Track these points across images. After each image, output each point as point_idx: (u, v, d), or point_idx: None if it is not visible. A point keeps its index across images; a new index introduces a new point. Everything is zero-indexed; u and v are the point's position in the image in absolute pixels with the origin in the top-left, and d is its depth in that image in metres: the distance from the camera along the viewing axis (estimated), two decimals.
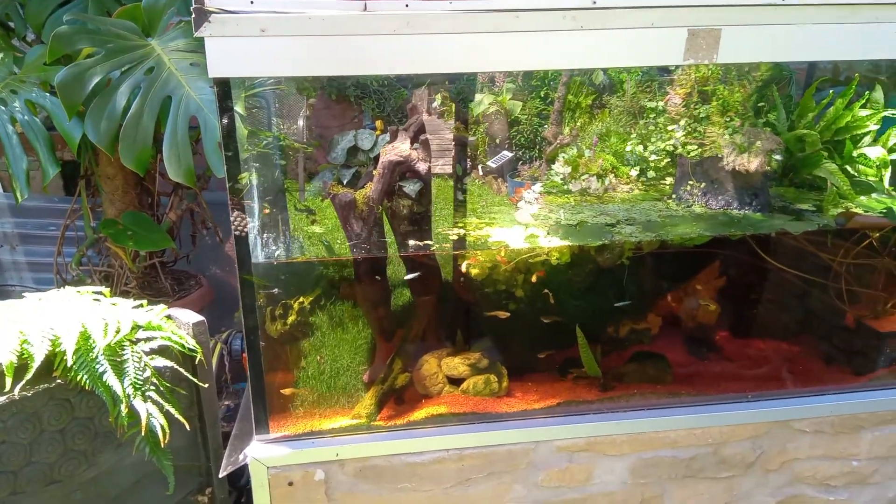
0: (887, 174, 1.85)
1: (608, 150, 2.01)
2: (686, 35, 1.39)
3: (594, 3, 1.37)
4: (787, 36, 1.42)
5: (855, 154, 1.89)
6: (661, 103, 2.09)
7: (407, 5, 1.31)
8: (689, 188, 1.84)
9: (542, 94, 2.13)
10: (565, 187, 1.91)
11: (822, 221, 1.70)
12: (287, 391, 1.61)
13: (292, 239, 1.70)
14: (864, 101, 1.89)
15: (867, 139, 1.94)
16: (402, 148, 1.66)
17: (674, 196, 1.86)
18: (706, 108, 1.98)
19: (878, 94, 1.95)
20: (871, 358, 1.77)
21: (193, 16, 1.26)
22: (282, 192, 1.79)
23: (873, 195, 1.88)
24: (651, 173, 1.96)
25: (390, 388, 1.66)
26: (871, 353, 1.77)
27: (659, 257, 1.80)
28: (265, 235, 1.63)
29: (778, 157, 1.87)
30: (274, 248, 1.65)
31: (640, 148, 2.01)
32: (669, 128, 2.02)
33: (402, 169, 1.66)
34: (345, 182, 1.72)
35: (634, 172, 1.97)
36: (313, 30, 1.31)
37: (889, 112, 1.88)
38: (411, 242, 1.67)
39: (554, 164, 1.97)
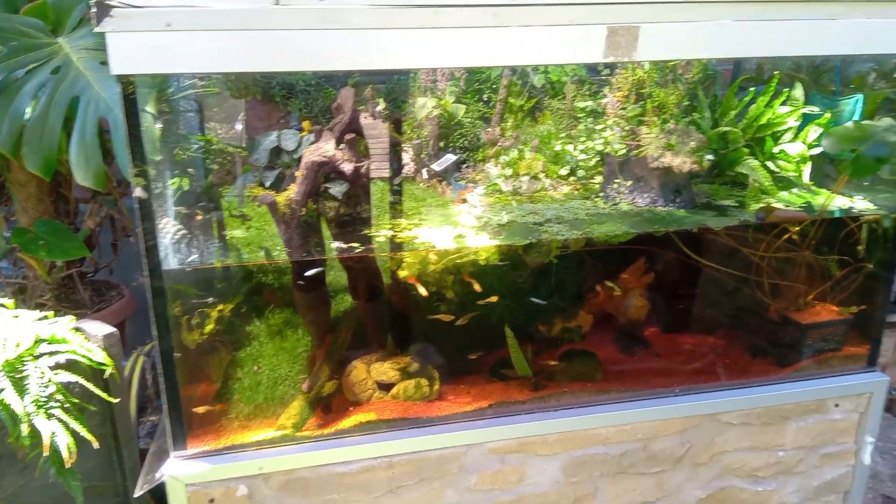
0: (807, 169, 1.91)
1: (545, 151, 2.01)
2: (606, 32, 1.40)
3: None
4: (705, 32, 1.44)
5: (776, 150, 1.93)
6: (592, 104, 2.11)
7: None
8: (616, 186, 1.85)
9: (484, 96, 2.12)
10: (500, 188, 1.90)
11: (743, 216, 1.74)
12: (201, 409, 1.54)
13: (212, 243, 1.63)
14: (783, 99, 1.94)
15: (788, 136, 1.99)
16: (325, 148, 1.61)
17: (602, 194, 1.87)
18: (634, 108, 2.00)
19: (798, 92, 2.01)
20: (794, 350, 1.81)
21: (94, 10, 1.19)
22: (204, 194, 1.72)
23: (794, 190, 1.93)
24: (581, 172, 1.97)
25: (317, 396, 1.61)
26: (793, 344, 1.81)
27: (588, 255, 1.80)
28: (181, 240, 1.56)
29: (709, 156, 1.90)
30: (191, 253, 1.58)
31: (570, 147, 2.02)
32: (598, 127, 2.04)
33: (327, 170, 1.62)
34: (267, 184, 1.66)
35: (564, 171, 1.97)
36: (223, 24, 1.25)
37: (808, 109, 1.94)
38: (338, 245, 1.62)
39: (495, 166, 1.96)
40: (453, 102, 2.10)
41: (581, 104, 2.10)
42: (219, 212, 1.70)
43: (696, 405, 1.70)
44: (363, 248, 1.57)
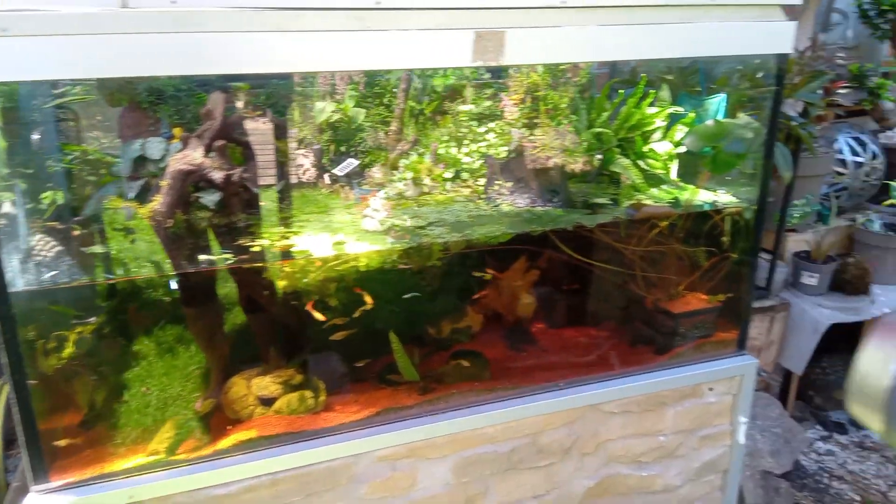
0: (674, 166, 2.00)
1: (433, 154, 2.01)
2: (473, 37, 1.41)
3: (378, 3, 1.35)
4: (570, 37, 1.48)
5: (646, 149, 2.02)
6: (474, 107, 2.13)
7: (173, 1, 1.22)
8: (497, 188, 1.88)
9: (384, 100, 2.10)
10: (401, 192, 1.89)
11: (616, 212, 1.80)
12: (63, 441, 1.43)
13: (76, 259, 1.53)
14: (650, 100, 2.03)
15: (657, 135, 2.08)
16: (193, 156, 1.55)
17: (483, 196, 1.89)
18: (519, 110, 2.04)
19: (665, 93, 2.11)
20: (668, 338, 1.90)
21: None
22: (73, 208, 1.61)
23: (664, 186, 2.02)
24: (465, 175, 1.99)
25: (194, 416, 1.53)
26: (668, 333, 1.90)
27: (473, 256, 1.82)
28: (36, 258, 1.45)
29: (599, 155, 1.96)
30: (52, 270, 1.47)
31: (454, 150, 2.03)
32: (481, 130, 2.07)
33: (195, 178, 1.55)
34: (132, 196, 1.57)
35: (450, 175, 1.99)
36: (66, 28, 1.17)
37: (674, 109, 2.03)
38: (207, 258, 1.56)
39: (397, 169, 1.95)
40: (353, 107, 2.08)
41: (464, 107, 2.12)
42: (97, 225, 1.60)
43: (579, 397, 1.75)
44: (236, 258, 1.51)
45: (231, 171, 1.58)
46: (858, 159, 3.09)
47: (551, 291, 2.01)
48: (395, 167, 1.98)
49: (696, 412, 1.93)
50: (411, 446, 1.60)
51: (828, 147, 3.09)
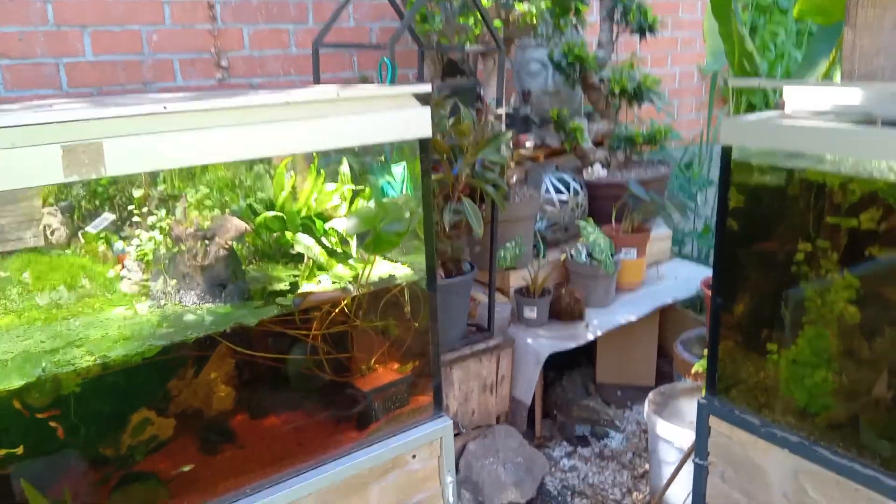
0: (353, 242, 2.03)
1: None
2: (61, 152, 1.29)
3: None
4: (177, 142, 1.41)
5: (327, 227, 2.03)
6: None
7: None
8: (162, 286, 1.76)
9: None
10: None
11: (284, 302, 1.77)
12: None
13: None
14: (323, 179, 2.04)
15: (344, 208, 2.10)
16: None
17: (148, 296, 1.76)
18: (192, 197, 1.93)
19: (345, 167, 2.14)
20: (362, 416, 1.90)
21: None
22: None
23: (350, 261, 2.04)
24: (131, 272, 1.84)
25: None
26: (361, 411, 1.90)
27: (143, 366, 1.68)
28: None
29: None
30: None
31: (119, 245, 1.88)
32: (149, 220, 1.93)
33: None
34: None
35: (112, 273, 1.83)
36: None
37: (349, 186, 2.06)
38: None
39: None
40: None
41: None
42: None
43: (269, 501, 1.68)
44: None
45: None
46: (563, 197, 3.40)
47: (247, 382, 1.93)
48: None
49: (402, 483, 1.95)
50: None
51: (536, 188, 3.36)
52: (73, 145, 1.30)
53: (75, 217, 1.84)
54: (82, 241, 1.83)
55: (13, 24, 2.72)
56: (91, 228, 1.86)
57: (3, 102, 2.68)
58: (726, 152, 1.93)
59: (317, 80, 2.67)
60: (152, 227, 1.89)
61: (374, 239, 1.76)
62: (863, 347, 1.72)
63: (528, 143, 3.20)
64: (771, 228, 2.00)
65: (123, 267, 1.85)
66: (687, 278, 3.52)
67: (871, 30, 2.52)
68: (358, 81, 3.37)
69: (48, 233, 1.81)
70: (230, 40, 3.25)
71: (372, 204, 1.82)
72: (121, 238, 1.86)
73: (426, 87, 1.74)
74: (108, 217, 1.89)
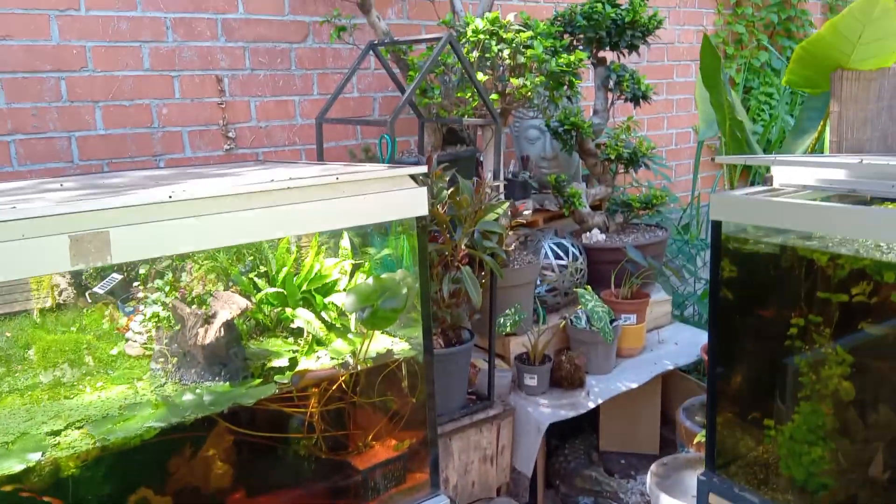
0: (353, 318, 2.06)
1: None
2: (68, 242, 1.34)
3: None
4: (182, 228, 1.46)
5: (326, 302, 2.06)
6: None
7: None
8: (161, 365, 1.79)
9: None
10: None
11: (283, 380, 1.79)
12: None
13: None
14: (324, 252, 2.09)
15: (343, 282, 2.14)
16: None
17: (148, 375, 1.78)
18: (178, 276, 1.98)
19: (346, 241, 2.19)
20: (359, 495, 1.89)
21: None
22: None
23: (350, 336, 2.06)
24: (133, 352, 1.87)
25: None
26: (358, 489, 1.89)
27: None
28: None
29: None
30: None
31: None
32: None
33: None
34: None
35: (115, 351, 1.86)
36: None
37: (350, 261, 2.11)
38: None
39: None
40: None
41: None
42: None
43: None
44: None
45: None
46: (562, 263, 3.43)
47: (248, 459, 1.92)
48: None
49: None
50: None
51: (536, 253, 3.40)
52: (80, 235, 1.34)
53: (83, 277, 1.88)
54: (89, 300, 1.87)
55: (28, 101, 2.83)
56: (99, 289, 1.90)
57: (15, 178, 2.76)
58: (716, 227, 1.97)
59: (320, 155, 2.75)
60: (155, 303, 1.92)
61: (372, 316, 1.79)
62: (858, 425, 1.72)
63: (526, 212, 3.25)
64: (764, 301, 2.02)
65: (129, 329, 1.88)
66: (688, 343, 3.52)
67: (856, 102, 2.59)
68: (361, 150, 3.46)
69: (56, 293, 1.85)
70: (238, 112, 3.35)
71: (371, 280, 1.85)
72: (129, 298, 1.89)
73: (422, 168, 1.80)
74: (115, 277, 1.92)
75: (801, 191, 1.96)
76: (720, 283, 2.03)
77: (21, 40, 2.79)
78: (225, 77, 3.29)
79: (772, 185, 2.06)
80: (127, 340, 1.88)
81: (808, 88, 2.96)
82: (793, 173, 2.02)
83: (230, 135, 3.33)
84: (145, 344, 1.85)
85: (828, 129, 2.59)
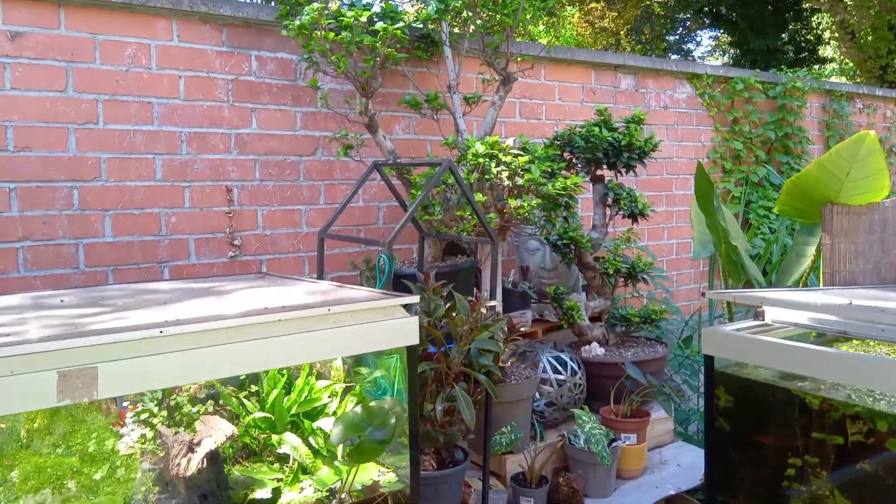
0: (340, 448, 2.03)
1: None
2: (56, 377, 1.35)
3: None
4: (171, 362, 1.48)
5: (315, 427, 2.04)
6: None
7: None
8: (144, 495, 1.75)
9: None
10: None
11: None
12: None
13: None
14: (315, 375, 2.09)
15: (334, 405, 2.12)
16: None
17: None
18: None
19: (339, 362, 2.19)
20: None
21: None
22: None
23: (336, 463, 2.03)
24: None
25: None
26: None
27: None
28: None
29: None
30: None
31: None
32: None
33: None
34: None
35: (99, 476, 1.82)
36: None
37: (340, 385, 2.10)
38: None
39: None
40: None
41: None
42: None
43: None
44: None
45: None
46: (560, 377, 3.40)
47: None
48: None
49: None
50: None
51: (534, 367, 3.37)
52: (68, 370, 1.36)
53: None
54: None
55: (40, 209, 2.92)
56: None
57: (20, 284, 2.82)
58: (708, 362, 1.96)
59: (320, 271, 2.79)
60: (145, 424, 1.91)
61: (359, 448, 1.77)
62: None
63: (524, 328, 3.26)
64: (760, 436, 1.99)
65: (124, 424, 1.84)
66: (690, 465, 3.41)
67: (847, 235, 2.64)
68: (362, 261, 3.51)
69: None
70: (245, 220, 3.44)
71: (359, 409, 1.84)
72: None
73: (414, 299, 1.83)
74: None
75: (793, 329, 1.97)
76: (716, 414, 2.01)
77: (39, 151, 2.91)
78: (234, 187, 3.40)
79: (764, 319, 2.07)
80: (122, 437, 1.85)
81: (799, 219, 3.01)
82: (785, 310, 2.03)
83: (236, 242, 3.41)
84: (133, 447, 1.82)
85: (821, 258, 2.62)
